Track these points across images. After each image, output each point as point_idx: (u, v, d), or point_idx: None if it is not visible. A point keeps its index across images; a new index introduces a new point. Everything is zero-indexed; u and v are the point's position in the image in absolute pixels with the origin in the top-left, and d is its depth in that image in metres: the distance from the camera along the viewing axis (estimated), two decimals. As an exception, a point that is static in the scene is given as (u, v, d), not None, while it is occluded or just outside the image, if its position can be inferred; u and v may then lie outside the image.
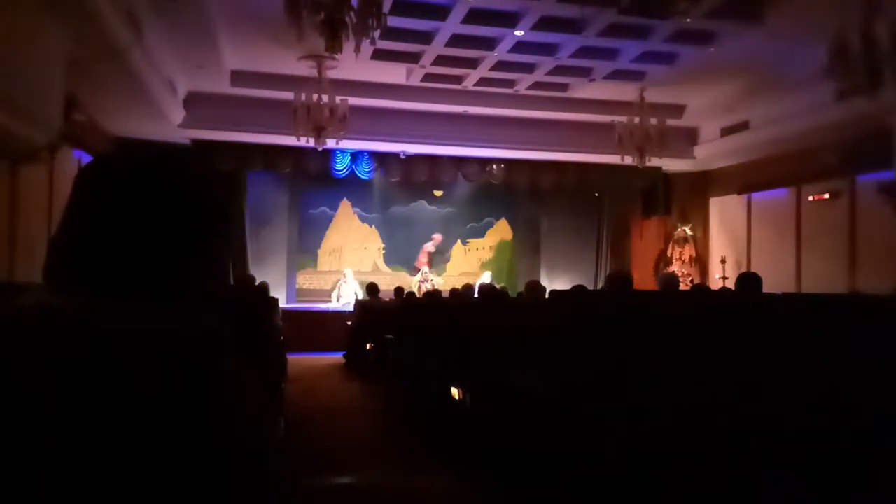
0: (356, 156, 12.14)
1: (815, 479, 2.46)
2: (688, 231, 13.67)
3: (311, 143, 9.11)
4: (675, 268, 13.36)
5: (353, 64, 8.54)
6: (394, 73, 9.81)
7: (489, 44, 8.69)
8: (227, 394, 0.80)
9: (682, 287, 10.11)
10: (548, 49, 8.82)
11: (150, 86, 8.07)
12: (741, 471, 2.53)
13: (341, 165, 12.10)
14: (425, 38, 8.46)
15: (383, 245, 13.66)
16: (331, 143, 9.50)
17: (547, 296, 6.75)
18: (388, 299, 10.48)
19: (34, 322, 0.77)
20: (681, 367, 2.97)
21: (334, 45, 5.82)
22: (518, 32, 8.20)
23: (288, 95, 9.04)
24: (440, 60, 9.22)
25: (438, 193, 13.70)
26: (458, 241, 14.03)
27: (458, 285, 11.09)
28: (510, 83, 10.26)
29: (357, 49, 5.99)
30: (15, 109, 5.30)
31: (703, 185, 13.59)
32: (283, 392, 6.54)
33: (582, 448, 3.14)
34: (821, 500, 2.46)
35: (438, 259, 13.80)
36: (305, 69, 9.24)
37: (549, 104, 10.91)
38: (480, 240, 14.14)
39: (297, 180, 12.72)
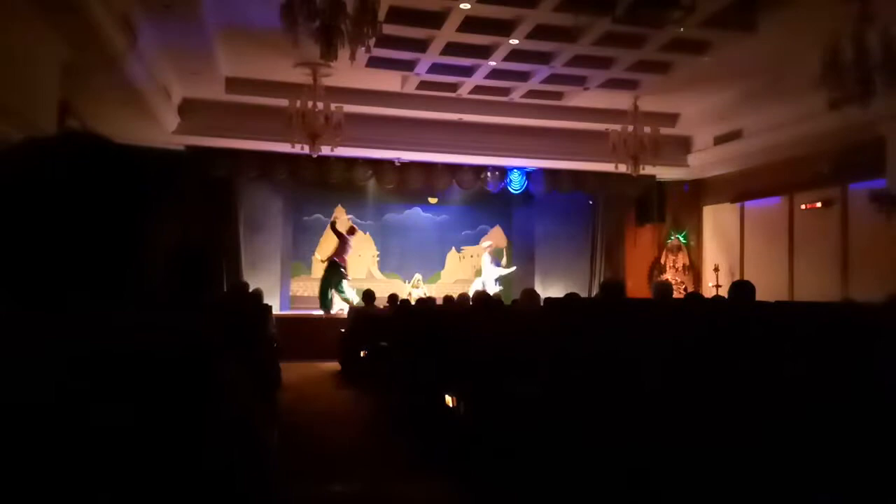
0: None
1: (808, 483, 2.47)
2: (681, 239, 13.72)
3: (306, 149, 9.11)
4: (668, 276, 13.41)
5: (348, 71, 8.56)
6: (389, 81, 9.84)
7: (484, 52, 8.72)
8: (221, 401, 0.80)
9: (675, 295, 10.13)
10: (542, 57, 8.86)
11: (145, 92, 8.07)
12: (736, 478, 2.53)
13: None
14: (420, 45, 8.49)
15: (378, 252, 13.65)
16: (326, 151, 9.51)
17: (542, 303, 6.76)
18: (382, 306, 10.46)
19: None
20: (675, 374, 2.97)
21: (329, 53, 5.82)
22: (513, 41, 8.23)
23: (283, 102, 9.05)
24: (435, 68, 9.25)
25: (433, 200, 13.72)
26: (453, 248, 14.04)
27: (453, 292, 11.08)
28: (505, 91, 10.30)
29: (352, 56, 5.99)
30: (9, 115, 5.28)
31: (696, 194, 13.65)
32: (276, 400, 6.52)
33: (577, 456, 3.13)
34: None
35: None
36: (300, 76, 9.25)
37: (543, 112, 10.95)
38: (475, 247, 14.15)
39: (291, 187, 12.72)
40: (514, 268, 13.45)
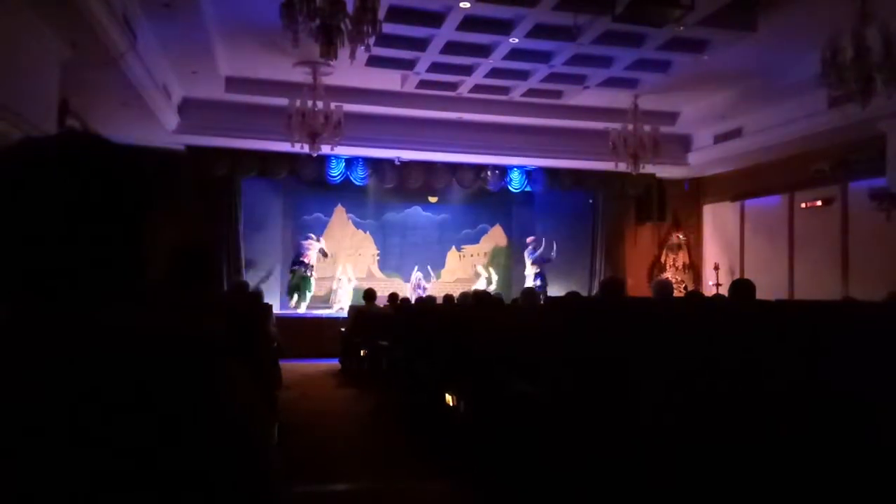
0: (351, 162, 12.15)
1: (806, 484, 2.47)
2: (681, 237, 13.72)
3: (306, 149, 9.11)
4: (668, 274, 13.41)
5: (348, 70, 8.56)
6: (389, 80, 9.83)
7: (484, 51, 8.72)
8: (222, 399, 0.80)
9: (675, 293, 10.13)
10: (542, 56, 8.85)
11: (145, 92, 8.07)
12: (737, 476, 2.54)
13: (336, 171, 12.11)
14: (420, 44, 8.49)
15: (378, 251, 13.66)
16: (325, 150, 9.51)
17: (542, 302, 6.77)
18: (382, 305, 10.48)
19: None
20: (676, 373, 2.97)
21: (329, 52, 5.82)
22: (513, 40, 8.23)
23: (283, 102, 9.05)
24: (435, 67, 9.25)
25: (433, 199, 13.72)
26: (453, 248, 14.04)
27: (453, 292, 11.09)
28: (505, 90, 10.30)
29: (352, 55, 5.99)
30: (9, 115, 5.29)
31: (696, 192, 13.66)
32: (277, 399, 6.52)
33: (576, 454, 3.13)
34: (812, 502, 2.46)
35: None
36: (300, 75, 9.25)
37: (543, 111, 10.95)
38: (475, 246, 14.15)
39: (291, 186, 12.73)
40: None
